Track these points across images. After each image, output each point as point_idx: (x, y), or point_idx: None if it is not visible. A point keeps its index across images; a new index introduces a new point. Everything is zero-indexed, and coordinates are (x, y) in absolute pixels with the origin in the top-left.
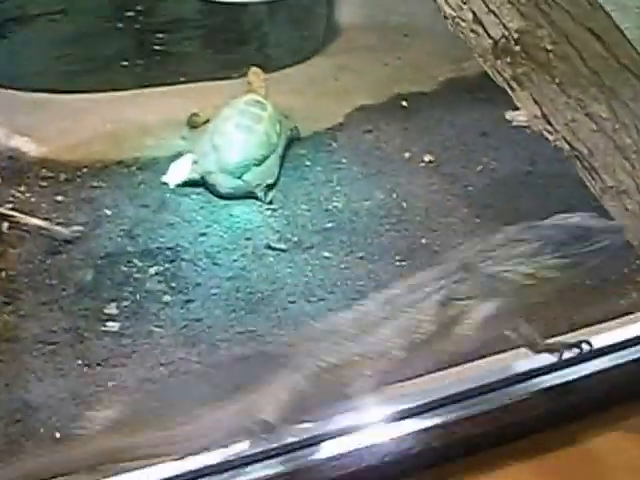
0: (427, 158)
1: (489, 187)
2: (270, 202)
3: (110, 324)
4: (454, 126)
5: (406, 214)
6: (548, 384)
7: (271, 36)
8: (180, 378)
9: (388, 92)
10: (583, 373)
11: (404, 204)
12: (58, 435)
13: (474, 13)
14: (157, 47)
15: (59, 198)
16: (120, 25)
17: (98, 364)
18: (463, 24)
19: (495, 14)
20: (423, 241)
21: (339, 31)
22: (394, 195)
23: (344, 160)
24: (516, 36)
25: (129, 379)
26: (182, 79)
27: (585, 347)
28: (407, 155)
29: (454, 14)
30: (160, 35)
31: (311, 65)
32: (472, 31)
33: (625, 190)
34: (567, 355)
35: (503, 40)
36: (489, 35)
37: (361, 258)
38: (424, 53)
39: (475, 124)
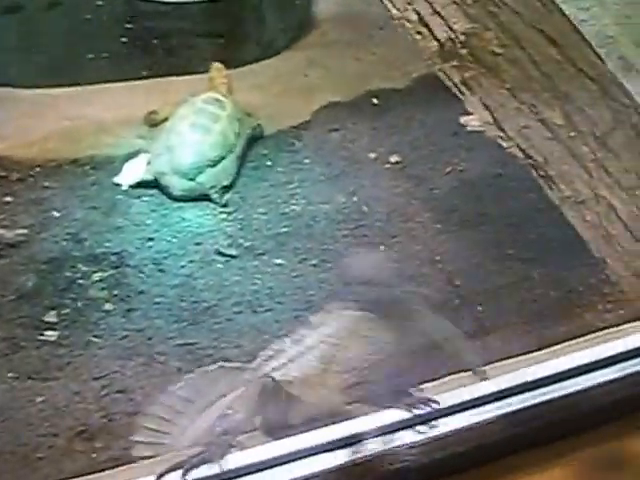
0: (394, 159)
1: (455, 190)
2: (225, 205)
3: (48, 333)
4: (424, 125)
5: (366, 219)
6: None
7: (241, 30)
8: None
9: (359, 89)
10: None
11: (365, 208)
12: None
13: (419, 14)
14: (122, 40)
15: (8, 199)
16: (88, 16)
17: (29, 377)
18: (408, 25)
19: (440, 15)
20: (381, 248)
21: (314, 23)
22: (355, 198)
23: (307, 160)
24: (462, 38)
25: (59, 394)
26: (145, 74)
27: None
28: (373, 155)
29: (400, 15)
30: (126, 27)
31: (281, 60)
32: (418, 33)
33: (583, 201)
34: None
35: (449, 43)
36: (435, 37)
37: (314, 266)
38: (399, 48)
39: (447, 123)
